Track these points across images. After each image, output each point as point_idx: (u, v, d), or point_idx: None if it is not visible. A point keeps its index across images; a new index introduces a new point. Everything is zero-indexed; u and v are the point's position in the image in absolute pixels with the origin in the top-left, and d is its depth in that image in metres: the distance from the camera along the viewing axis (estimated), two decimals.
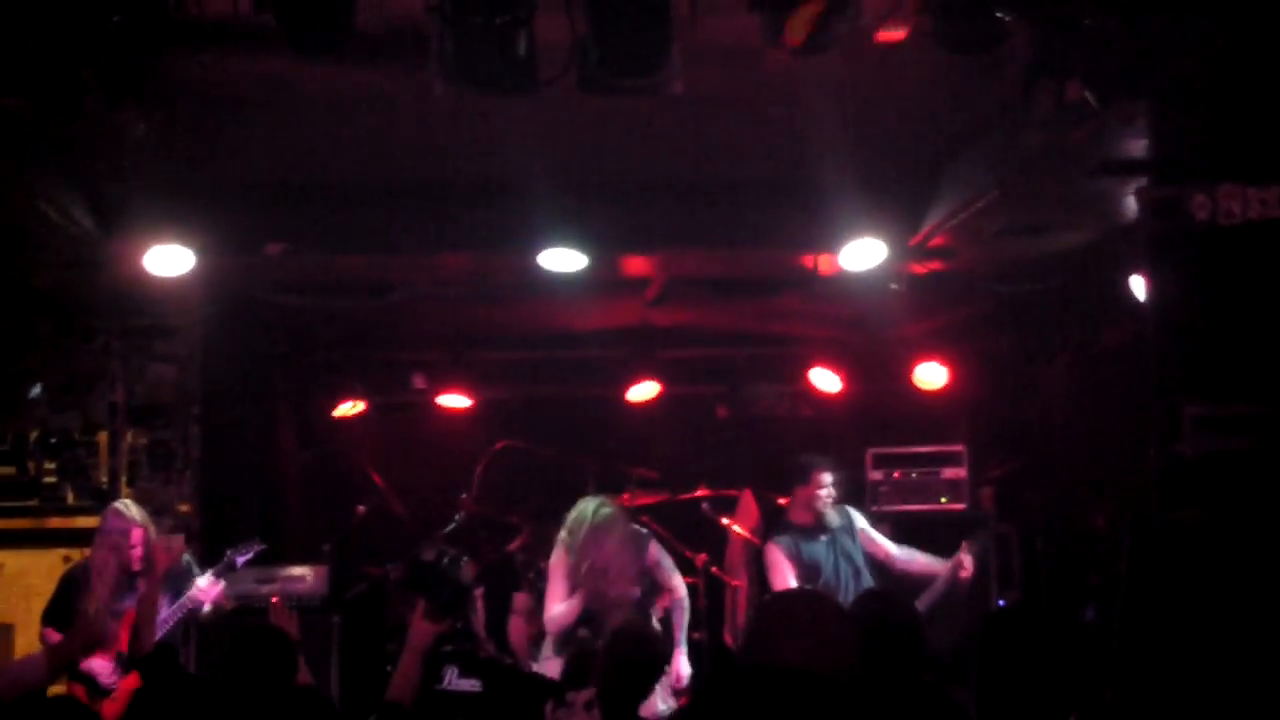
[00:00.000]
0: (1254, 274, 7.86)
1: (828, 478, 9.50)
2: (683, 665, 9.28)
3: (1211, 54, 6.27)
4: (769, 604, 4.68)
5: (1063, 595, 10.41)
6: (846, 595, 8.92)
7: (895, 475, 11.47)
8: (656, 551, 9.43)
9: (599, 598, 9.09)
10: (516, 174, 8.60)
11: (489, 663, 9.56)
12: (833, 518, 9.47)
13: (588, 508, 9.26)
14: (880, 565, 9.60)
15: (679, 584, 9.45)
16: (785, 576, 9.31)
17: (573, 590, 9.12)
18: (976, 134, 8.24)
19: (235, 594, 9.55)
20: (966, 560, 9.31)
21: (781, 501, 10.11)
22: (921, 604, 8.90)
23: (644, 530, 9.58)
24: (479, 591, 10.59)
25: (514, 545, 11.34)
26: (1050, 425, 11.62)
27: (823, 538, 9.45)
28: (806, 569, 9.36)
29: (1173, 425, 7.72)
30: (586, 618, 9.07)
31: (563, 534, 9.29)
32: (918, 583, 9.43)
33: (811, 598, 4.69)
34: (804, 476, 9.54)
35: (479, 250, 9.61)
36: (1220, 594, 7.07)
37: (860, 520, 9.68)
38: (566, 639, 9.06)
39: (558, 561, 9.26)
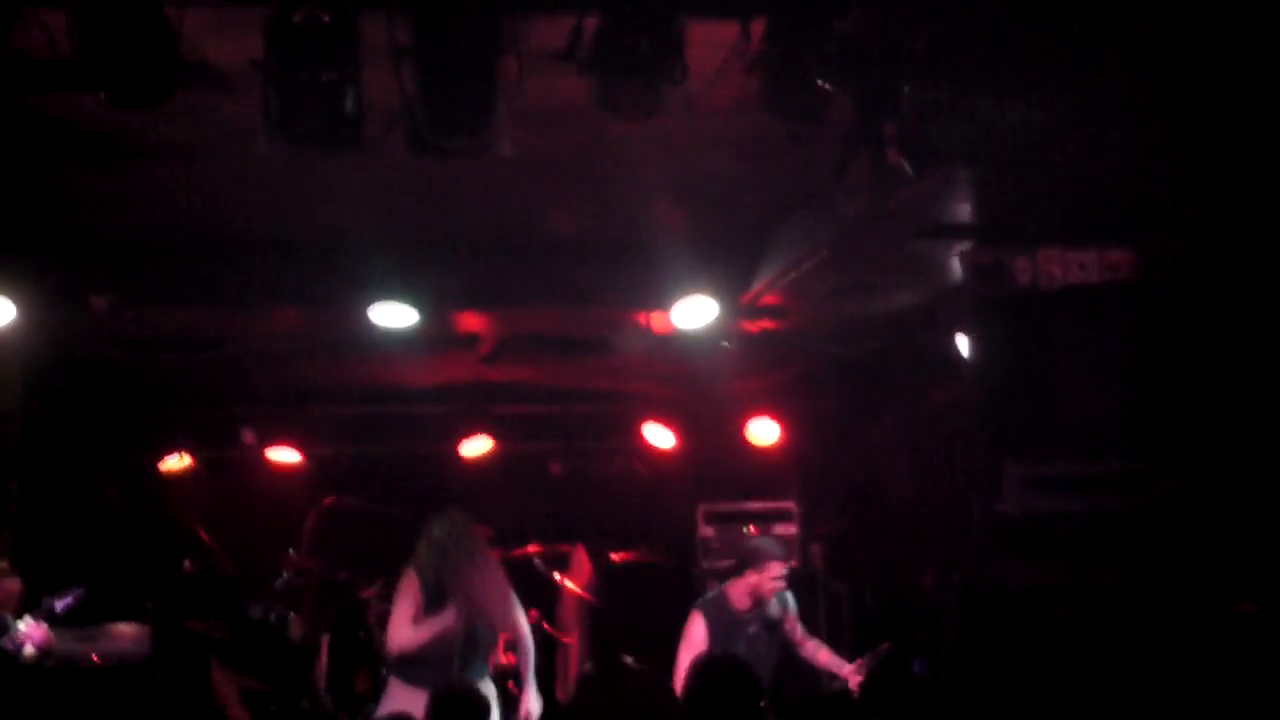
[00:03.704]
0: (1074, 336, 8.00)
1: (780, 569, 8.96)
2: (532, 701, 8.80)
3: (1030, 120, 6.40)
4: (589, 677, 4.65)
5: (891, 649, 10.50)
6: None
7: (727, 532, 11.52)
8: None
9: (477, 618, 8.40)
10: (348, 229, 8.54)
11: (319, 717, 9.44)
12: (773, 609, 9.02)
13: (456, 521, 8.55)
14: (787, 647, 9.26)
15: (523, 619, 8.92)
16: (697, 648, 8.70)
17: (432, 610, 8.37)
18: (807, 194, 8.34)
19: (56, 652, 9.32)
20: (856, 671, 9.08)
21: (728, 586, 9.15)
22: None
23: None
24: (324, 640, 10.47)
25: (369, 592, 11.12)
26: (879, 482, 11.75)
27: (752, 627, 8.96)
28: (723, 645, 8.76)
29: (995, 484, 7.81)
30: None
31: (424, 549, 8.50)
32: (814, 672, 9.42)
33: (631, 672, 4.68)
34: (758, 562, 8.95)
35: (310, 305, 9.53)
36: (1045, 652, 7.19)
37: (793, 605, 9.24)
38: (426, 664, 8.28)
39: (411, 582, 8.47)
